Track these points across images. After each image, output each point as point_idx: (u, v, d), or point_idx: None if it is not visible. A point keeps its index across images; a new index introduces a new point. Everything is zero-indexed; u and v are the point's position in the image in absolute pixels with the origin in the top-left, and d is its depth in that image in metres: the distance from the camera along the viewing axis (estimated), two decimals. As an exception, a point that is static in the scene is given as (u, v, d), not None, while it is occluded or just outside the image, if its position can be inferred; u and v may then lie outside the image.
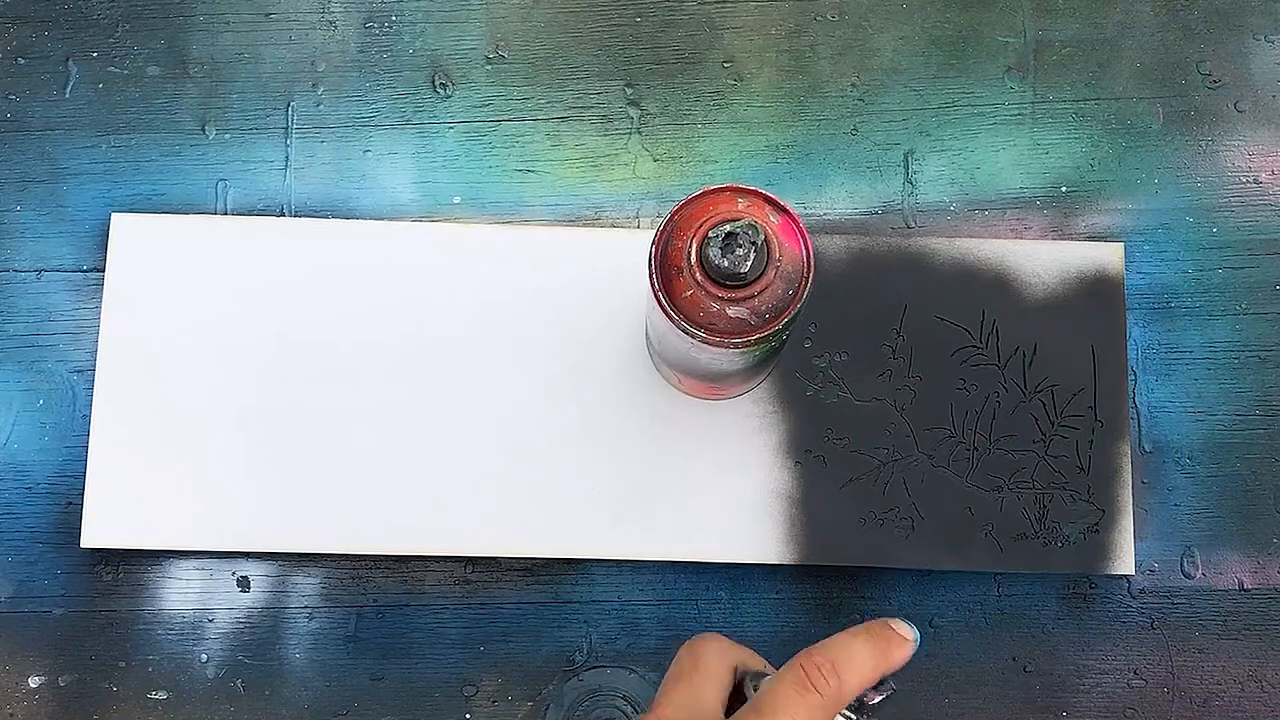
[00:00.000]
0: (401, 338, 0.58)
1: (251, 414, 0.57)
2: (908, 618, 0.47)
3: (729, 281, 0.43)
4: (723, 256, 0.43)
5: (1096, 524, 0.57)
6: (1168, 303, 0.60)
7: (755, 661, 0.47)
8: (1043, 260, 0.59)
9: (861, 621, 0.57)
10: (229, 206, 0.60)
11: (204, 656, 0.58)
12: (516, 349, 0.58)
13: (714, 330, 0.44)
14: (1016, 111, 0.62)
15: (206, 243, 0.58)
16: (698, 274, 0.43)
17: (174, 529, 0.56)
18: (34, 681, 0.58)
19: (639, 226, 0.61)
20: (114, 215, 0.59)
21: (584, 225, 0.60)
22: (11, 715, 0.57)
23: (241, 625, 0.58)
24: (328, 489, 0.57)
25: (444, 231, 0.59)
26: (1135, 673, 0.58)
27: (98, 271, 0.60)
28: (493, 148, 0.61)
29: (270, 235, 0.58)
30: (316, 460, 0.57)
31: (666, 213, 0.45)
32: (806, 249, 0.44)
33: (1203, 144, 0.62)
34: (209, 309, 0.58)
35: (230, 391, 0.58)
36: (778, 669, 0.45)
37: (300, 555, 0.58)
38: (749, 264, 0.43)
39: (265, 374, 0.58)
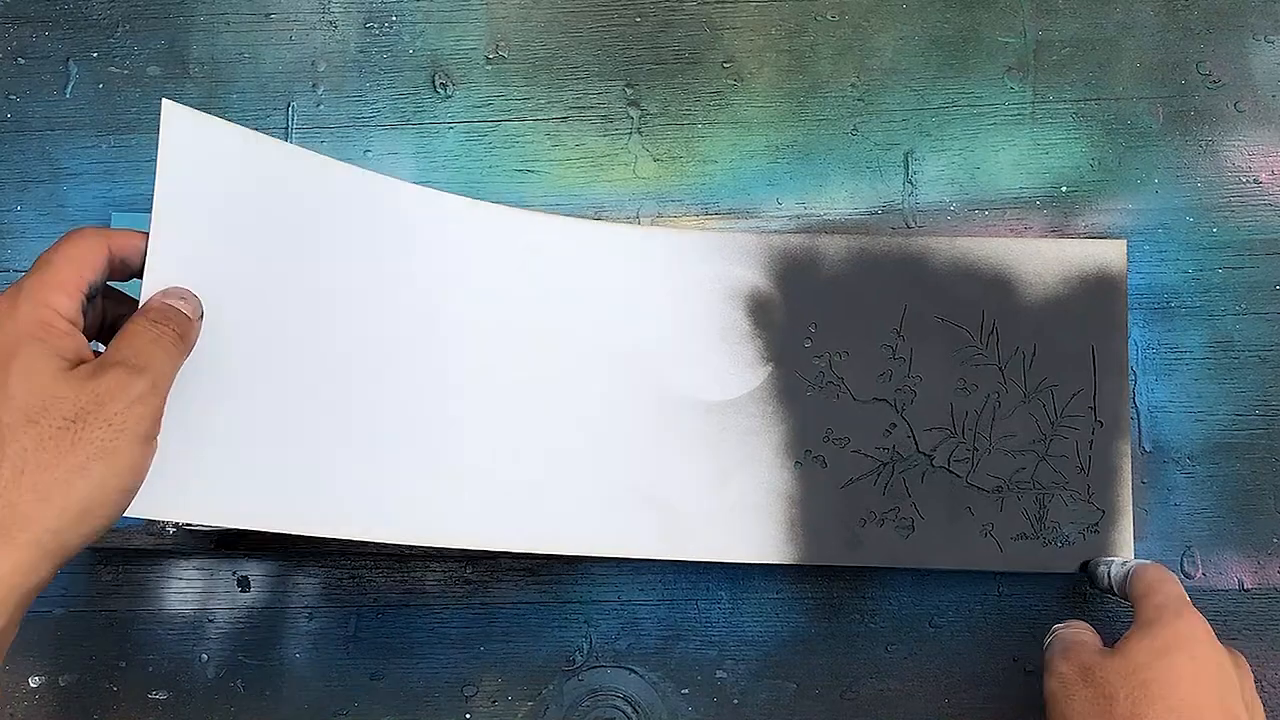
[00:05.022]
0: (400, 338, 0.58)
1: (251, 403, 0.57)
2: None
3: None
4: None
5: (1096, 524, 0.57)
6: (1168, 303, 0.60)
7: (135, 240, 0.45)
8: (1043, 259, 0.58)
9: (862, 622, 0.58)
10: (229, 206, 0.60)
11: (204, 656, 0.58)
12: (516, 348, 0.58)
13: None
14: (1016, 111, 0.62)
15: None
16: None
17: (174, 503, 0.55)
18: (34, 681, 0.58)
19: (639, 226, 0.61)
20: (114, 215, 0.59)
21: (584, 225, 0.60)
22: (12, 715, 0.57)
23: (241, 625, 0.58)
24: (327, 488, 0.57)
25: (451, 205, 0.57)
26: (1135, 673, 0.58)
27: (98, 271, 0.60)
28: (493, 148, 0.61)
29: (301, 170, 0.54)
30: (316, 459, 0.57)
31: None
32: None
33: (1203, 144, 0.62)
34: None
35: (230, 383, 0.57)
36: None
37: (300, 555, 0.58)
38: None
39: (263, 368, 0.57)
